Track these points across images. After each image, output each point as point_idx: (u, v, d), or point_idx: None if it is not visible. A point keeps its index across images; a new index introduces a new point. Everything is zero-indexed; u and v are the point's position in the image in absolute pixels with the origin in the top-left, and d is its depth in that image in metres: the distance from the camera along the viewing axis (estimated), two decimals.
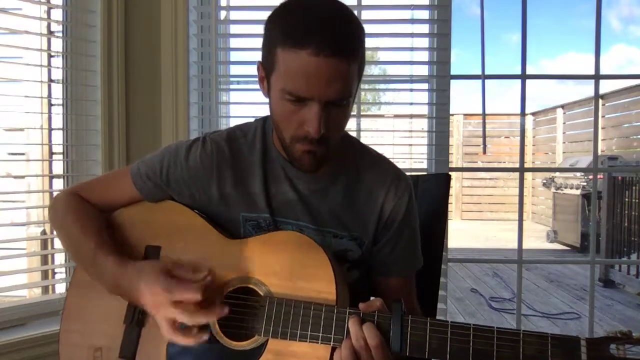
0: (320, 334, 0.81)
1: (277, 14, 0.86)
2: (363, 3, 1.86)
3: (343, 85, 0.82)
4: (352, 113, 1.88)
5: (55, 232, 1.06)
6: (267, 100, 0.92)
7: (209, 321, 0.85)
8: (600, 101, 6.31)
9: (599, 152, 4.06)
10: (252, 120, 1.06)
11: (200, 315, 0.82)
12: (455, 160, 8.86)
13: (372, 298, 0.86)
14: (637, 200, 4.52)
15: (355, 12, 1.93)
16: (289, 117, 0.85)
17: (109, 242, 0.95)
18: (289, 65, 0.80)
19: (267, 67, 0.86)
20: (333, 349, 0.81)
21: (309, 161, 0.89)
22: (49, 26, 1.80)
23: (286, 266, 0.88)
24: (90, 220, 0.99)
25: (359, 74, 0.87)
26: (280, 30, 0.82)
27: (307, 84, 0.80)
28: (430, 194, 1.24)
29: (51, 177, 1.89)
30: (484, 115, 2.15)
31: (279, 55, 0.81)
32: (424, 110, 1.95)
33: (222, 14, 1.95)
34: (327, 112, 0.83)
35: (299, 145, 0.87)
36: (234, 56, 1.99)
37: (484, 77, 1.97)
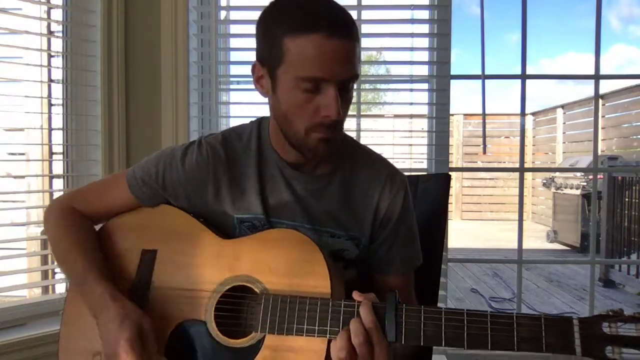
0: (317, 327, 0.81)
1: (273, 9, 0.87)
2: (363, 3, 1.86)
3: (353, 65, 0.85)
4: (352, 113, 1.89)
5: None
6: (266, 98, 0.92)
7: None
8: (600, 101, 6.31)
9: (599, 152, 4.07)
10: (249, 121, 1.06)
11: None
12: (455, 160, 8.86)
13: None
14: (637, 200, 4.51)
15: (355, 12, 1.95)
16: (302, 107, 0.85)
17: (100, 266, 0.94)
18: (302, 51, 0.82)
19: (271, 62, 0.86)
20: (330, 342, 0.81)
21: (325, 149, 0.90)
22: (49, 26, 1.80)
23: (281, 263, 0.88)
24: (83, 239, 0.99)
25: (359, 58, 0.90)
26: (284, 21, 0.83)
27: (323, 65, 0.82)
28: (430, 194, 1.24)
29: (51, 177, 1.89)
30: (484, 115, 2.15)
31: (288, 45, 0.82)
32: (424, 110, 1.96)
33: (222, 14, 1.95)
34: (340, 95, 0.85)
35: (314, 134, 0.87)
36: (234, 56, 2.00)
37: (484, 77, 1.98)
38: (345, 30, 0.82)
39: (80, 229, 1.01)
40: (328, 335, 0.81)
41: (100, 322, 0.87)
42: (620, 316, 0.72)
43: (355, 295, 0.81)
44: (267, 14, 0.88)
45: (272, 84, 0.88)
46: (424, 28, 1.92)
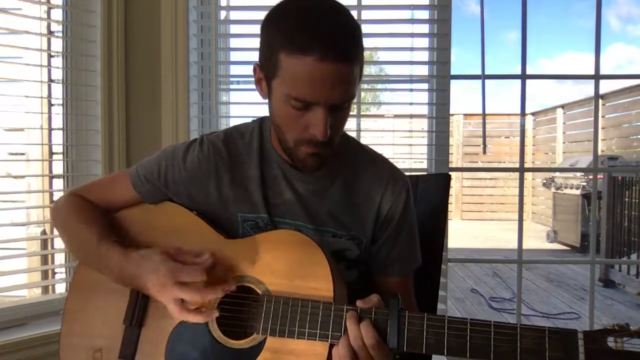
0: (318, 331, 0.81)
1: (276, 16, 0.85)
2: (363, 3, 1.86)
3: (347, 88, 0.82)
4: (352, 113, 1.89)
5: (57, 232, 1.06)
6: (266, 100, 0.92)
7: (217, 297, 0.87)
8: (600, 101, 6.31)
9: (599, 152, 4.07)
10: (251, 120, 1.06)
11: (206, 291, 0.85)
12: (455, 160, 8.86)
13: None
14: (637, 200, 4.52)
15: (355, 12, 1.94)
16: (293, 121, 0.85)
17: (112, 234, 0.97)
18: (294, 71, 0.80)
19: (267, 71, 0.86)
20: (331, 346, 0.81)
21: (314, 163, 0.90)
22: (49, 26, 1.80)
23: (284, 265, 0.88)
24: (93, 214, 1.00)
25: (360, 75, 0.88)
26: (281, 35, 0.81)
27: (312, 89, 0.80)
28: (430, 194, 1.24)
29: (51, 177, 1.89)
30: (484, 115, 2.16)
31: (283, 61, 0.81)
32: (424, 110, 1.96)
33: (222, 14, 1.95)
34: (331, 114, 0.83)
35: (303, 148, 0.87)
36: (234, 56, 1.99)
37: (484, 77, 1.98)
38: (341, 52, 0.79)
39: (91, 211, 1.02)
40: (330, 340, 0.81)
41: (129, 275, 0.89)
42: (626, 331, 0.71)
43: (359, 304, 0.81)
44: (270, 20, 0.86)
45: (268, 91, 0.88)
46: (424, 28, 1.92)
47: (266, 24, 0.86)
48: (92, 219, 0.99)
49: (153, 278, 0.85)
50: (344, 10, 0.85)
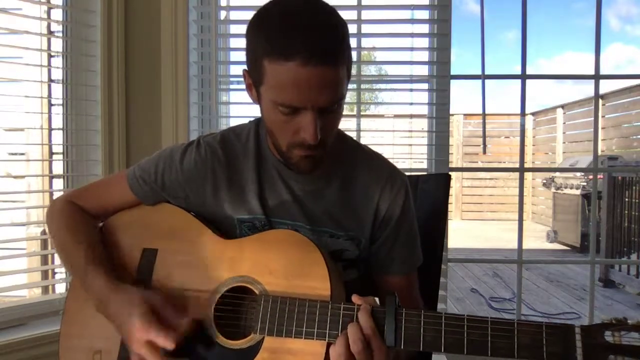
0: (315, 330, 0.81)
1: (257, 22, 0.84)
2: (363, 3, 1.86)
3: (333, 90, 0.81)
4: (352, 113, 1.90)
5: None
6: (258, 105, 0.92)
7: None
8: (600, 101, 6.31)
9: (599, 152, 4.06)
10: (248, 121, 1.06)
11: None
12: (455, 160, 8.86)
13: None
14: (637, 200, 4.51)
15: (355, 12, 1.93)
16: (283, 126, 0.85)
17: (101, 259, 0.95)
18: (278, 78, 0.79)
19: (254, 78, 0.85)
20: (329, 345, 0.81)
21: (308, 165, 0.89)
22: (49, 26, 1.80)
23: (281, 264, 0.88)
24: (84, 233, 1.00)
25: (348, 74, 0.86)
26: (264, 41, 0.80)
27: (298, 95, 0.79)
28: (430, 194, 1.24)
29: (51, 177, 1.89)
30: (484, 115, 2.16)
31: (267, 68, 0.80)
32: (424, 110, 1.96)
33: (222, 14, 1.95)
34: (321, 117, 0.82)
35: (296, 151, 0.87)
36: (234, 56, 1.99)
37: (484, 77, 1.98)
38: (324, 56, 0.77)
39: (83, 225, 1.01)
40: (327, 339, 0.81)
41: (108, 313, 0.88)
42: (624, 325, 0.71)
43: (355, 298, 0.81)
44: (252, 26, 0.84)
45: (257, 97, 0.88)
46: (424, 28, 1.92)
47: (249, 30, 0.85)
48: (83, 238, 0.98)
49: (128, 326, 0.84)
50: (327, 9, 0.82)
